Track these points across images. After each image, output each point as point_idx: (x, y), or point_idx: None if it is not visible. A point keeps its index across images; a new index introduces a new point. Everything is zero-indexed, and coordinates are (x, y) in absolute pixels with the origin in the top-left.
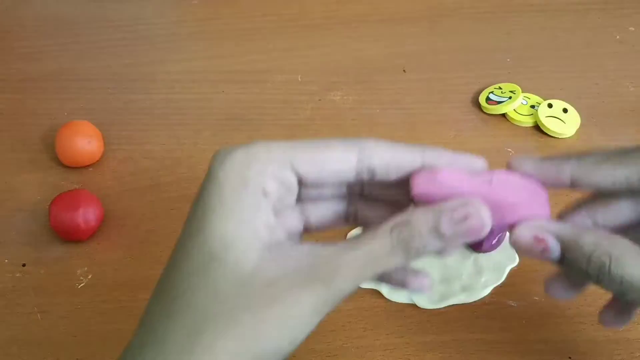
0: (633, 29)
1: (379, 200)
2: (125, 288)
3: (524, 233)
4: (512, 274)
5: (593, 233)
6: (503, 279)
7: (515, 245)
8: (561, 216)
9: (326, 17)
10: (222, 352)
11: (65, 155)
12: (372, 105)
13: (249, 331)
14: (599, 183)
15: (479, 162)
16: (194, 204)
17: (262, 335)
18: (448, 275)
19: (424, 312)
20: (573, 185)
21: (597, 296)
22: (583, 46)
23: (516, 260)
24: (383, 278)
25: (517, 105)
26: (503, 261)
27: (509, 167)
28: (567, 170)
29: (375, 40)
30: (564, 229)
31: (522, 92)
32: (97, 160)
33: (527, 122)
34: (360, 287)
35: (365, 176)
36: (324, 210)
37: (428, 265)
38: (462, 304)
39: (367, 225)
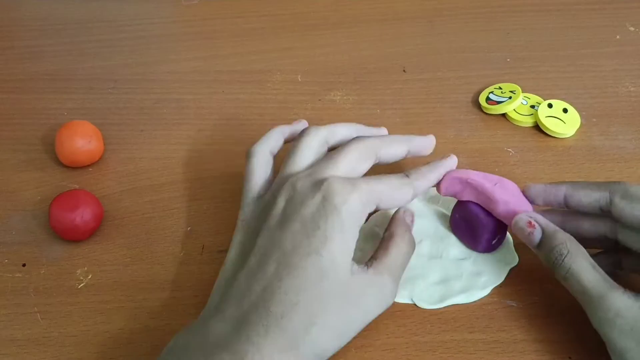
0: (633, 29)
1: None
2: (125, 288)
3: (523, 217)
4: (512, 274)
5: (565, 233)
6: (503, 279)
7: (514, 225)
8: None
9: (326, 17)
10: (327, 327)
11: (64, 155)
12: (372, 105)
13: (343, 316)
14: (581, 200)
15: (430, 141)
16: (312, 226)
17: (349, 318)
18: (448, 275)
19: (424, 312)
20: (565, 202)
21: None
22: (583, 46)
23: (516, 260)
24: None
25: (517, 105)
26: (503, 261)
27: (525, 191)
28: (562, 191)
29: (375, 40)
30: (548, 223)
31: (522, 92)
32: (97, 160)
33: (527, 122)
34: None
35: None
36: None
37: (428, 265)
38: (462, 304)
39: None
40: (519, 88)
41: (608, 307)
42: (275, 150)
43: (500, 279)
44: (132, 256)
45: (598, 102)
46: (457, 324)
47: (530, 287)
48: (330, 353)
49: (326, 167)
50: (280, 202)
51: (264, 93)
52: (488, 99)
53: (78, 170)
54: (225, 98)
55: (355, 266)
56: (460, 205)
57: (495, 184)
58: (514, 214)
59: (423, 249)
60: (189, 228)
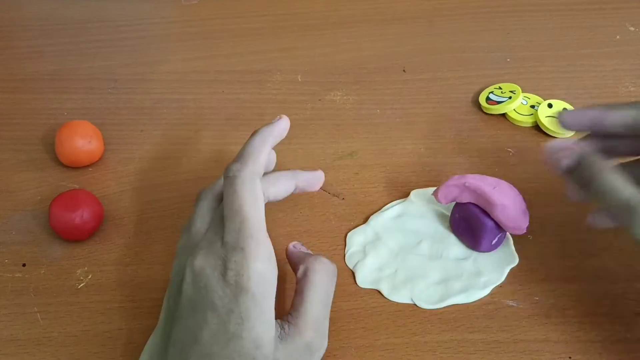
0: (633, 29)
1: None
2: (125, 288)
3: (554, 144)
4: (512, 274)
5: (597, 156)
6: (503, 279)
7: (545, 152)
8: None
9: (326, 17)
10: None
11: (64, 155)
12: (372, 105)
13: None
14: (615, 120)
15: (318, 176)
16: (224, 311)
17: None
18: (448, 275)
19: (424, 312)
20: (600, 123)
21: (597, 298)
22: (583, 46)
23: (516, 260)
24: None
25: (517, 105)
26: (503, 261)
27: (558, 117)
28: (596, 113)
29: (375, 40)
30: (580, 144)
31: (522, 92)
32: (97, 160)
33: (527, 122)
34: (361, 287)
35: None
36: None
37: (428, 265)
38: (462, 304)
39: None
40: (519, 88)
41: None
42: (262, 171)
43: (500, 279)
44: (132, 256)
45: (598, 102)
46: (457, 324)
47: (530, 287)
48: None
49: (216, 233)
50: (187, 290)
51: (264, 93)
52: (488, 99)
53: (78, 170)
54: (226, 98)
55: (278, 334)
56: (460, 205)
57: (494, 187)
58: (513, 217)
59: (423, 249)
60: None
